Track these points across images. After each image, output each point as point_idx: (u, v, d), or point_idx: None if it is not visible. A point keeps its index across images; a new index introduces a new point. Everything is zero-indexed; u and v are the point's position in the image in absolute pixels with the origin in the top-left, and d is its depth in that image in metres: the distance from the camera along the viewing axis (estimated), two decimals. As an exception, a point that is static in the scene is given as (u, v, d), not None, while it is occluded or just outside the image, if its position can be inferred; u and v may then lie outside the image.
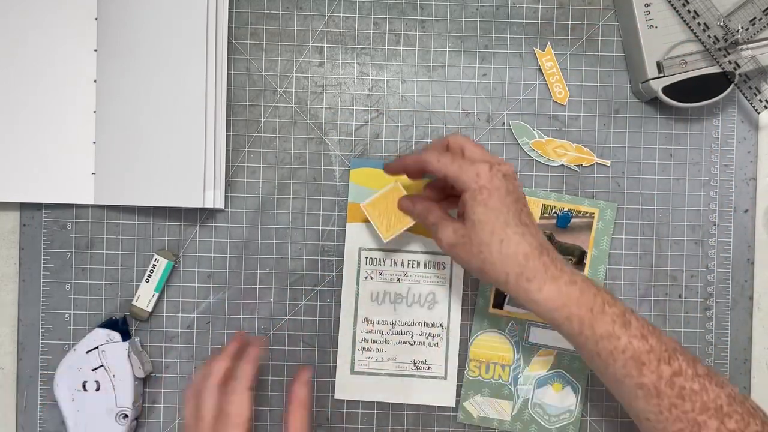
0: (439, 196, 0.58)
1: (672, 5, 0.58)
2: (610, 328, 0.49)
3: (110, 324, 0.60)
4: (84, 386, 0.59)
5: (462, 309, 0.62)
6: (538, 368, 0.62)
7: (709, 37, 0.58)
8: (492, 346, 0.62)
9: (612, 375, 0.50)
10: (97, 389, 0.59)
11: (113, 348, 0.59)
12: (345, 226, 0.62)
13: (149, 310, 0.62)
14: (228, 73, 0.62)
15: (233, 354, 0.54)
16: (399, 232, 0.58)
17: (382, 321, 0.62)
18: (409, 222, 0.58)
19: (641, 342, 0.49)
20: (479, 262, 0.50)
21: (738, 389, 0.50)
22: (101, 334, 0.59)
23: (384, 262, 0.62)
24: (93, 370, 0.59)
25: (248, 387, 0.52)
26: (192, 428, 0.51)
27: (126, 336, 0.60)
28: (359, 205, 0.61)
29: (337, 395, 0.62)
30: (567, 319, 0.49)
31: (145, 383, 0.62)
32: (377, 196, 0.59)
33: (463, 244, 0.51)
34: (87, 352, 0.59)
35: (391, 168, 0.58)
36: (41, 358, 0.62)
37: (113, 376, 0.59)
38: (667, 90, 0.59)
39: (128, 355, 0.59)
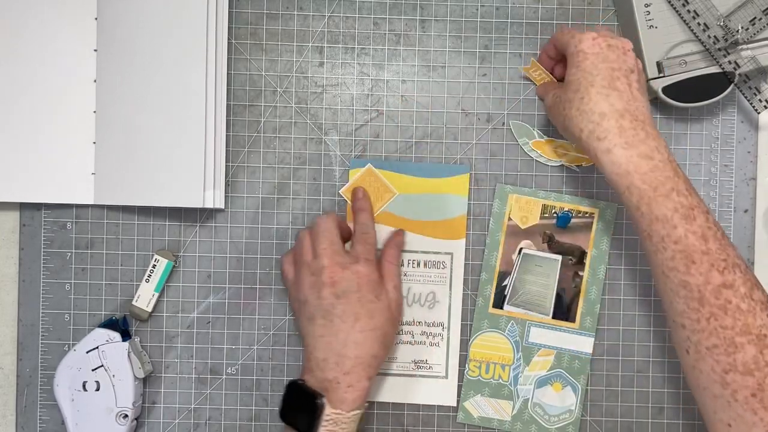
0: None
1: (672, 5, 0.58)
2: (668, 213, 0.47)
3: (110, 324, 0.60)
4: (84, 386, 0.59)
5: (462, 309, 0.62)
6: (538, 368, 0.62)
7: (709, 37, 0.58)
8: (492, 346, 0.62)
9: (660, 263, 0.48)
10: (97, 389, 0.59)
11: (113, 348, 0.59)
12: (345, 226, 0.62)
13: (149, 310, 0.62)
14: (228, 73, 0.62)
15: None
16: (379, 211, 0.61)
17: (382, 321, 0.62)
18: (388, 200, 0.61)
19: (699, 240, 0.47)
20: (562, 119, 0.52)
21: None
22: (101, 334, 0.59)
23: (384, 262, 0.62)
24: (93, 370, 0.59)
25: (372, 220, 0.59)
26: (327, 249, 0.55)
27: (126, 336, 0.60)
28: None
29: (337, 395, 0.62)
30: (627, 188, 0.49)
31: (145, 383, 0.62)
32: (354, 181, 0.62)
33: (555, 104, 0.53)
34: (87, 352, 0.59)
35: (541, 58, 0.60)
36: (41, 358, 0.62)
37: (113, 376, 0.59)
38: (667, 90, 0.59)
39: (128, 355, 0.59)
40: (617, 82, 0.50)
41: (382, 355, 0.55)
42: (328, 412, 0.51)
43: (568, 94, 0.51)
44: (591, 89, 0.50)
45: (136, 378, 0.59)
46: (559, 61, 0.59)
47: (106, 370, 0.59)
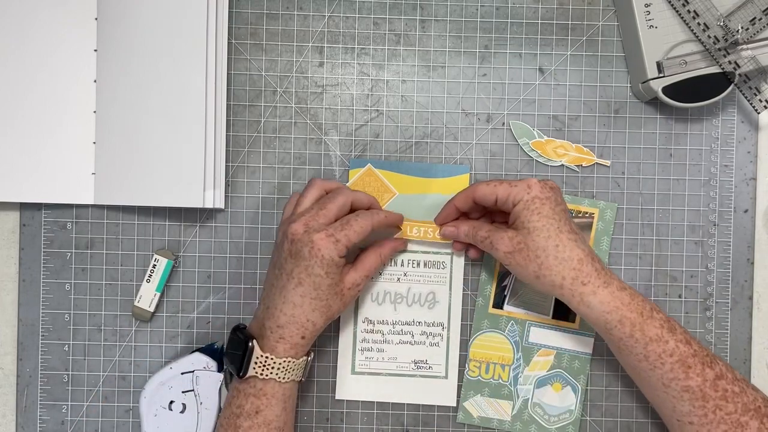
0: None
1: (672, 5, 0.58)
2: (659, 331, 0.52)
3: (211, 351, 0.60)
4: (170, 405, 0.58)
5: (462, 309, 0.62)
6: (538, 368, 0.62)
7: (709, 37, 0.58)
8: (492, 346, 0.62)
9: (658, 379, 0.52)
10: (182, 411, 0.58)
11: (208, 376, 0.58)
12: (345, 226, 0.62)
13: (151, 310, 0.62)
14: (228, 73, 0.62)
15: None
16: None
17: (383, 321, 0.62)
18: (388, 200, 0.61)
19: (686, 346, 0.52)
20: (536, 267, 0.53)
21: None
22: (201, 360, 0.59)
23: (384, 262, 0.62)
24: (183, 392, 0.58)
25: (373, 224, 0.55)
26: (308, 210, 0.54)
27: (223, 366, 0.59)
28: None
29: (338, 395, 0.62)
30: (619, 321, 0.52)
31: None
32: (353, 181, 0.62)
33: (519, 250, 0.53)
34: (182, 373, 0.58)
35: (443, 215, 0.60)
36: (41, 358, 0.62)
37: (201, 403, 0.58)
38: (667, 90, 0.59)
39: (220, 387, 0.58)
40: (572, 225, 0.54)
41: (320, 323, 0.55)
42: (258, 354, 0.53)
43: (537, 241, 0.52)
44: (562, 235, 0.52)
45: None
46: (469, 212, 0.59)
47: (196, 395, 0.58)
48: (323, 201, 0.55)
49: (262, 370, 0.53)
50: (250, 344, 0.53)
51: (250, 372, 0.53)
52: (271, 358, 0.53)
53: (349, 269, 0.56)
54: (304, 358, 0.55)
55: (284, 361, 0.53)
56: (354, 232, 0.54)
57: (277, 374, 0.53)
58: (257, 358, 0.53)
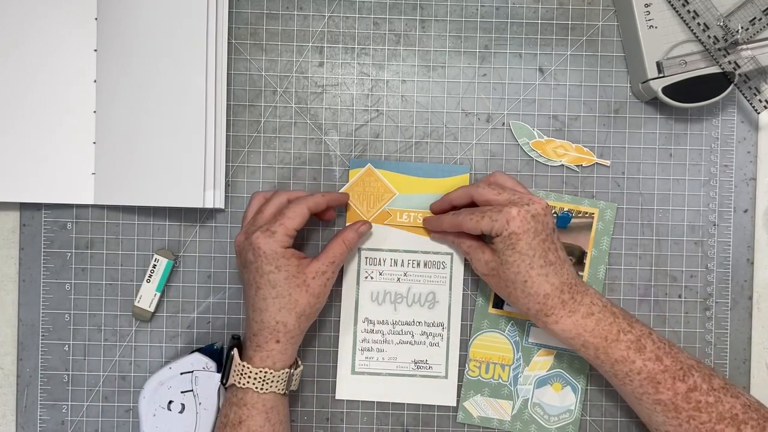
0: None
1: (672, 5, 0.58)
2: (624, 353, 0.53)
3: (210, 351, 0.60)
4: (169, 405, 0.58)
5: (462, 309, 0.62)
6: (537, 368, 0.62)
7: (709, 37, 0.58)
8: (492, 346, 0.62)
9: (630, 392, 0.54)
10: (181, 411, 0.58)
11: (207, 377, 0.58)
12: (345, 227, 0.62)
13: (151, 310, 0.62)
14: (228, 73, 0.62)
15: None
16: (379, 211, 0.61)
17: (383, 321, 0.62)
18: (388, 200, 0.61)
19: (655, 363, 0.53)
20: (506, 294, 0.56)
21: (754, 398, 0.54)
22: (200, 361, 0.58)
23: (384, 262, 0.62)
24: (182, 392, 0.58)
25: (308, 206, 0.56)
26: (250, 219, 0.57)
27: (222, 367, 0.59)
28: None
29: (338, 395, 0.62)
30: (582, 345, 0.54)
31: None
32: (353, 181, 0.62)
33: (492, 276, 0.56)
34: (181, 373, 0.58)
35: (432, 228, 0.61)
36: (41, 358, 0.62)
37: (199, 403, 0.58)
38: (667, 90, 0.59)
39: (219, 388, 0.58)
40: (550, 254, 0.53)
41: (291, 322, 0.54)
42: (237, 362, 0.55)
43: (507, 275, 0.53)
44: (532, 272, 0.53)
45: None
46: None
47: (194, 395, 0.58)
48: (261, 207, 0.57)
49: (240, 378, 0.54)
50: (232, 353, 0.55)
51: (230, 380, 0.55)
52: (248, 368, 0.54)
53: (311, 259, 0.56)
54: (286, 370, 0.55)
55: (261, 372, 0.54)
56: (288, 219, 0.54)
57: (254, 384, 0.54)
58: (236, 366, 0.55)
